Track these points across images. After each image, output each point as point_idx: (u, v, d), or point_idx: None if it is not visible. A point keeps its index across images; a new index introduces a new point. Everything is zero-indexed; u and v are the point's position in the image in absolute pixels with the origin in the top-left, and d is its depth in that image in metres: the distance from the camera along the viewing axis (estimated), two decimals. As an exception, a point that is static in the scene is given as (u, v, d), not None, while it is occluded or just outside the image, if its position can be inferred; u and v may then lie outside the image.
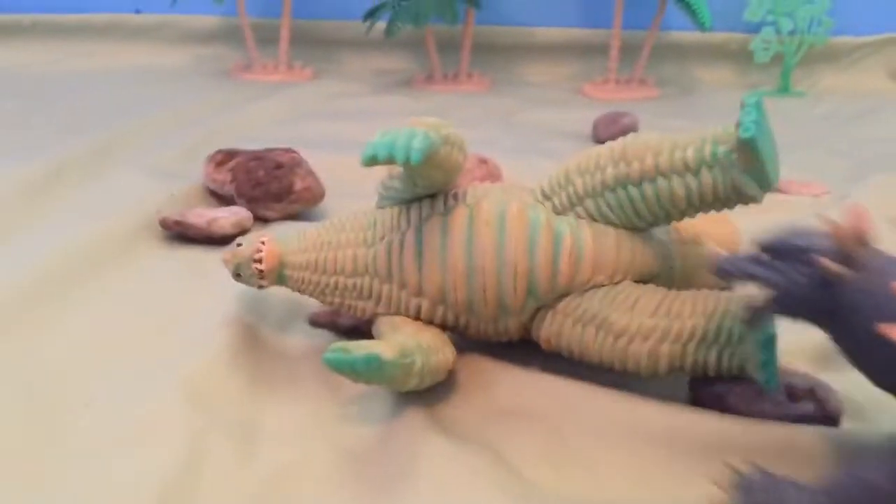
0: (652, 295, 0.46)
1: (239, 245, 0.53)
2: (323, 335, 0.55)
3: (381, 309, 0.50)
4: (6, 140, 0.97)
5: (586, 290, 0.47)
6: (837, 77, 1.45)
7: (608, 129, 1.03)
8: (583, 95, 1.36)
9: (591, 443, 0.43)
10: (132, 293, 0.60)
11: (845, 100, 1.34)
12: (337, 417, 0.46)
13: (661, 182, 0.45)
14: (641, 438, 0.42)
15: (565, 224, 0.47)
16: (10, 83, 1.34)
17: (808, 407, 0.43)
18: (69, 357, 0.51)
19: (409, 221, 0.49)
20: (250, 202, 0.74)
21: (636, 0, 1.38)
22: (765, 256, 0.37)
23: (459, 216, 0.48)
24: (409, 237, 0.48)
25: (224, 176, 0.76)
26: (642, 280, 0.48)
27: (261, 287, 0.52)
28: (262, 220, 0.74)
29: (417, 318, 0.49)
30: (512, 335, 0.50)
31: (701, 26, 1.28)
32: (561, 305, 0.47)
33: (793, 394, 0.44)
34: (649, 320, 0.45)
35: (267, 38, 1.47)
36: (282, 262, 0.52)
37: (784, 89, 1.39)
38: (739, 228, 0.58)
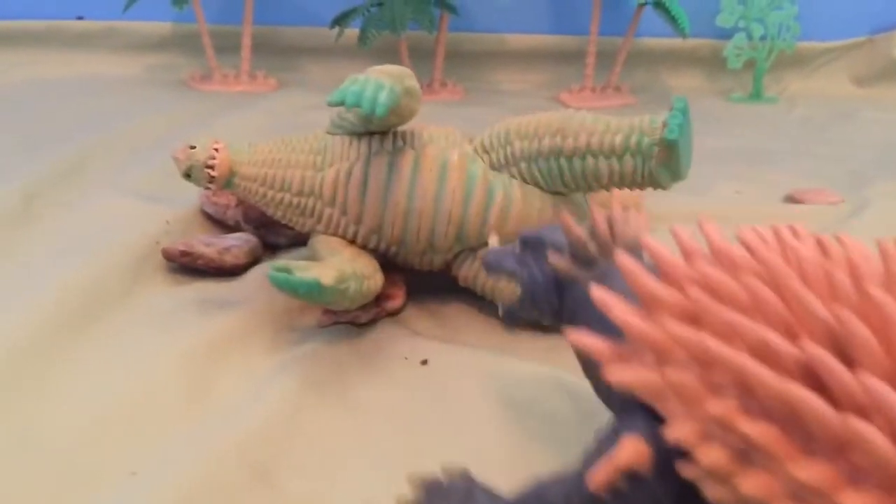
0: None
1: (192, 147, 0.56)
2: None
3: (320, 228, 0.56)
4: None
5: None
6: (804, 82, 1.47)
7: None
8: (559, 103, 1.33)
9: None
10: (146, 338, 0.53)
11: (817, 105, 1.35)
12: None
13: (590, 160, 0.51)
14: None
15: (499, 181, 0.53)
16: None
17: None
18: (93, 421, 0.44)
19: (358, 153, 0.54)
20: (259, 228, 0.67)
21: (609, 6, 1.36)
22: (523, 250, 0.39)
23: (406, 158, 0.53)
24: (357, 169, 0.54)
25: (227, 199, 0.69)
26: None
27: (207, 188, 0.57)
28: (271, 247, 0.68)
29: (353, 242, 0.55)
30: (434, 268, 0.57)
31: (681, 33, 1.26)
32: (482, 251, 0.52)
33: None
34: None
35: (225, 46, 1.38)
36: (232, 170, 0.56)
37: (757, 95, 1.39)
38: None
